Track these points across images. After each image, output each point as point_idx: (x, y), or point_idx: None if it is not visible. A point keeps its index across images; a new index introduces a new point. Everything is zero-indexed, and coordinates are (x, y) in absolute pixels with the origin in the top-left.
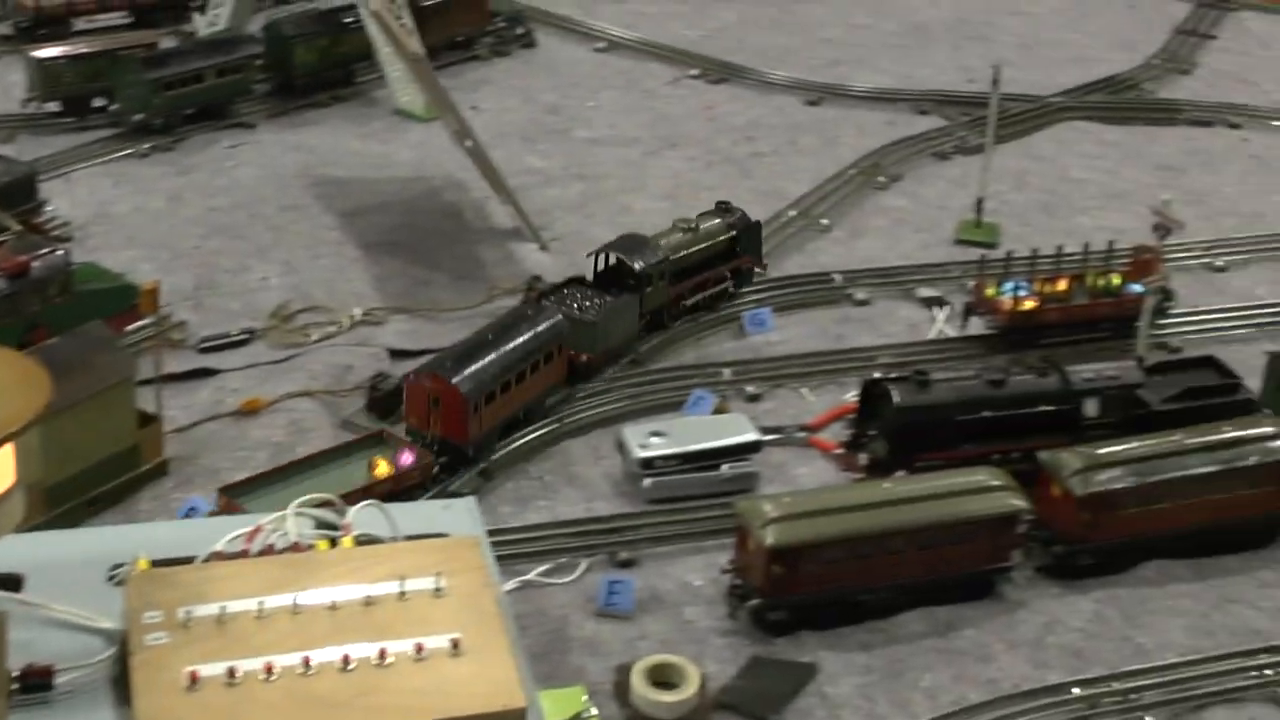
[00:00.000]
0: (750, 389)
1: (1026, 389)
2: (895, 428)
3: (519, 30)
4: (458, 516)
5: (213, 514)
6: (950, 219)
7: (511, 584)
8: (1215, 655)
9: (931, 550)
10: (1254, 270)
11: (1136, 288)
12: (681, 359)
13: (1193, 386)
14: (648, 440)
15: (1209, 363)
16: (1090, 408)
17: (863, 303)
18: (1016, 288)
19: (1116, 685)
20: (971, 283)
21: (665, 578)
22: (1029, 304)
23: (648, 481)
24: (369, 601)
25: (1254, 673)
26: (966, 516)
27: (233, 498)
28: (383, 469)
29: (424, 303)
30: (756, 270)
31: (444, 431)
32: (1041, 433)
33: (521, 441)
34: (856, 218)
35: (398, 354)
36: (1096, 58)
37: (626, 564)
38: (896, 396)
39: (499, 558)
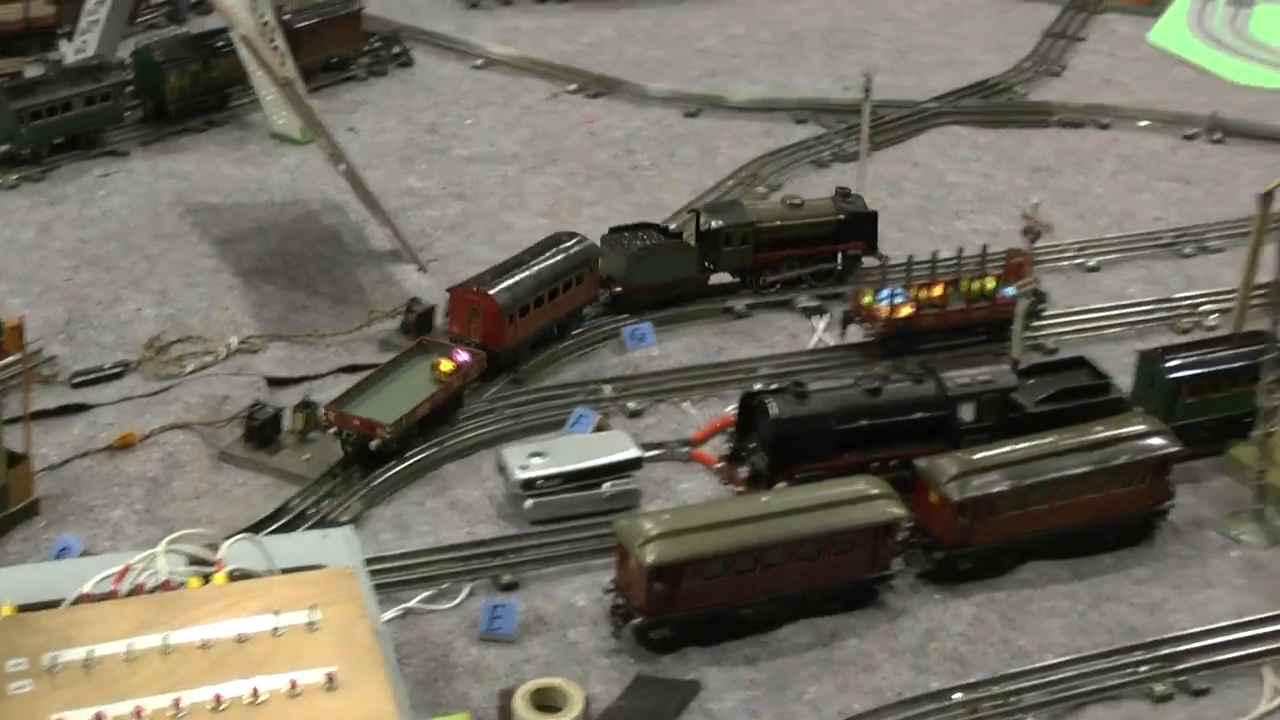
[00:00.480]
0: (632, 405)
1: (903, 396)
2: (774, 440)
3: (395, 49)
4: (335, 546)
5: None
6: None
7: (393, 612)
8: (1093, 654)
9: (813, 561)
10: (1125, 269)
11: (1010, 291)
12: (563, 377)
13: (1065, 388)
14: (528, 461)
15: (1080, 363)
16: (966, 412)
17: (743, 315)
18: (893, 295)
19: (997, 689)
20: (849, 291)
21: (549, 599)
22: (906, 310)
23: (529, 503)
24: (242, 639)
25: (1130, 670)
26: (846, 526)
27: (342, 409)
28: (447, 366)
29: (302, 329)
30: (869, 260)
31: (482, 338)
32: (919, 439)
33: (402, 466)
34: None
35: (275, 382)
36: (969, 62)
37: (509, 587)
38: (774, 409)
39: (380, 586)
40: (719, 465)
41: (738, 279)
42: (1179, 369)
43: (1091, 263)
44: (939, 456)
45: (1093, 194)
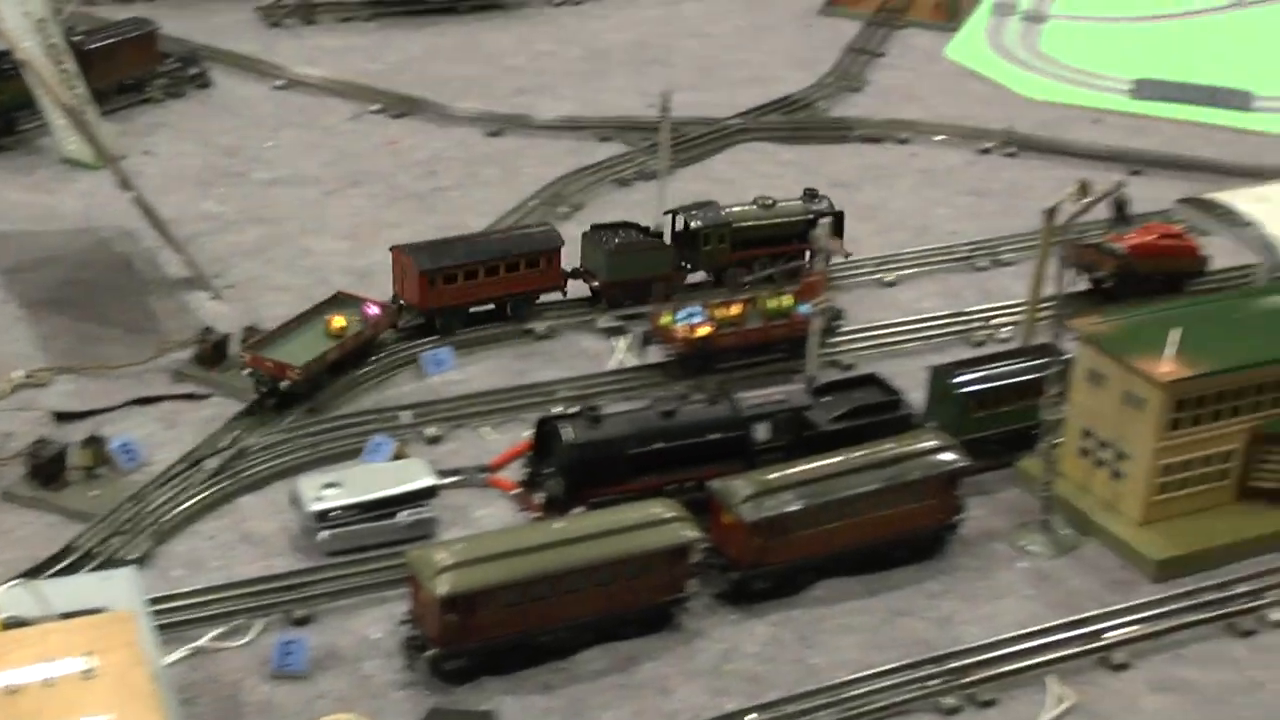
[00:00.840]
0: (431, 431)
1: (697, 418)
2: (568, 465)
3: (194, 70)
4: (117, 589)
5: (244, 367)
6: None
7: (181, 652)
8: (884, 670)
9: (608, 586)
10: (921, 283)
11: (805, 309)
12: (360, 404)
13: (858, 405)
14: (322, 492)
15: (872, 380)
16: (760, 432)
17: (544, 336)
18: (691, 314)
19: (791, 708)
20: (649, 310)
21: (344, 633)
22: (704, 330)
23: (324, 534)
24: (11, 690)
25: (920, 685)
26: (640, 550)
27: (258, 352)
28: (338, 322)
29: (92, 360)
30: (838, 258)
31: (407, 298)
32: (715, 460)
33: (193, 501)
34: None
35: (64, 416)
36: (774, 78)
37: (303, 621)
38: (568, 434)
39: (168, 625)
40: (516, 491)
41: (713, 277)
42: (967, 384)
43: (889, 278)
44: (733, 478)
45: (891, 208)
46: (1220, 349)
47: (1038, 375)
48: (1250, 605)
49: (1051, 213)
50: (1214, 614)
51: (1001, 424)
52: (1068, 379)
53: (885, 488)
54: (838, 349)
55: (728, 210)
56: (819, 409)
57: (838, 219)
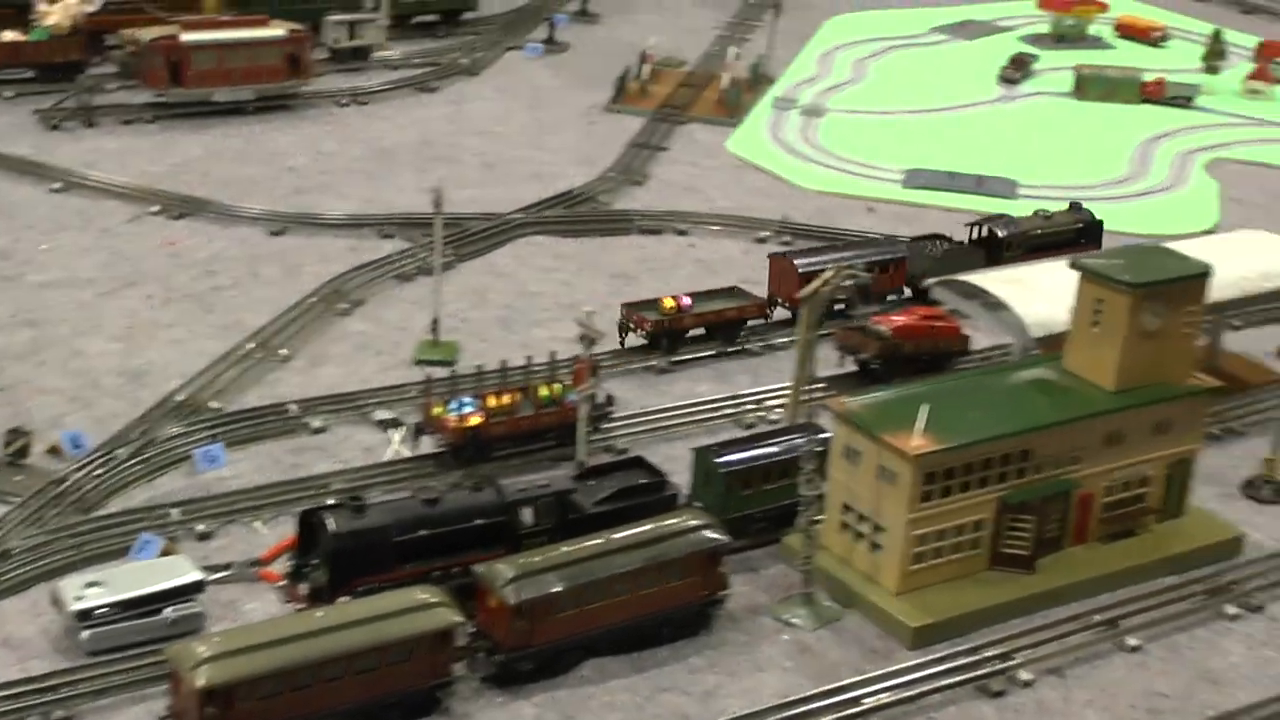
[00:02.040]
0: (201, 527)
1: (461, 505)
2: (332, 554)
3: None
4: None
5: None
6: (411, 340)
7: None
8: None
9: (371, 673)
10: (695, 370)
11: (573, 396)
12: (129, 503)
13: (623, 487)
14: (84, 591)
15: (639, 463)
16: (525, 517)
17: (319, 430)
18: (462, 404)
19: None
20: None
21: None
22: (475, 420)
23: (86, 633)
24: None
25: None
26: (400, 636)
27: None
28: (668, 303)
29: None
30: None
31: (782, 294)
32: (481, 546)
33: None
34: (317, 346)
35: None
36: (557, 173)
37: None
38: (331, 524)
39: None
40: (281, 583)
41: None
42: (730, 464)
43: (663, 364)
44: (497, 561)
45: None
46: (967, 423)
47: (799, 454)
48: (1000, 667)
49: (809, 299)
50: (965, 677)
51: (767, 501)
52: (826, 456)
53: (647, 566)
54: (612, 434)
55: (1019, 220)
56: (584, 492)
57: (1098, 227)
